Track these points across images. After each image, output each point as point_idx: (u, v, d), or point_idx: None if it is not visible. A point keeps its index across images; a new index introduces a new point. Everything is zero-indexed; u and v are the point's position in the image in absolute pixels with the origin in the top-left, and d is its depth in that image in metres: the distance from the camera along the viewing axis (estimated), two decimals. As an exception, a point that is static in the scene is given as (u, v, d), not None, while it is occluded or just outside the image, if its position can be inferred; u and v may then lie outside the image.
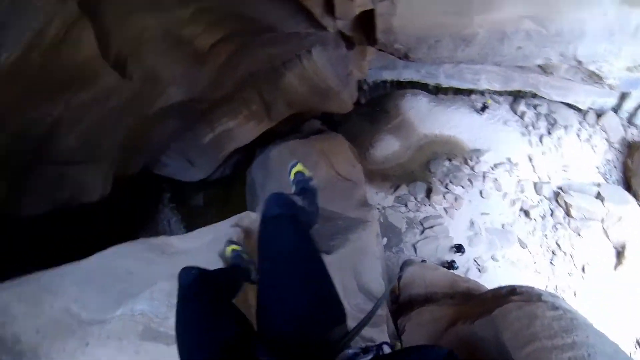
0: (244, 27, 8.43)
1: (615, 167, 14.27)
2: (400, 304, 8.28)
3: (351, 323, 1.46)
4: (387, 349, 1.20)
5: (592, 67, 10.25)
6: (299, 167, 2.57)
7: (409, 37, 8.87)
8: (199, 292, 1.53)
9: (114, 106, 7.42)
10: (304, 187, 2.46)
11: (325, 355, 1.21)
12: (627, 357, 4.11)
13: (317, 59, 10.29)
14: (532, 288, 6.23)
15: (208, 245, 2.90)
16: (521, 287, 6.12)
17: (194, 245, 3.07)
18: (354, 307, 5.95)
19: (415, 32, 8.71)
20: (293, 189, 2.56)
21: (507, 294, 6.04)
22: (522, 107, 15.14)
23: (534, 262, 12.84)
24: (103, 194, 8.68)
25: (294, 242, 1.55)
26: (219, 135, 11.20)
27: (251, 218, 3.27)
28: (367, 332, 5.66)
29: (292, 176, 2.57)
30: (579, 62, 9.87)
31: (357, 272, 6.93)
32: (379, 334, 5.81)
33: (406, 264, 9.08)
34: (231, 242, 2.56)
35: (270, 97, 10.85)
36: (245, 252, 2.50)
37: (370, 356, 1.14)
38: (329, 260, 6.00)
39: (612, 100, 14.64)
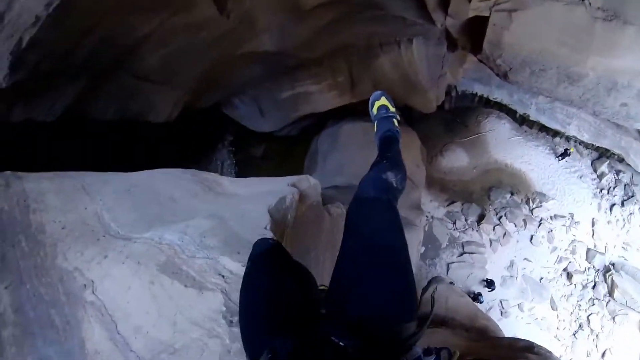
0: (354, -4, 8.15)
1: (677, 264, 13.68)
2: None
3: None
4: (445, 354, 1.18)
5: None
6: (383, 101, 2.33)
7: (515, 57, 8.34)
8: (270, 262, 1.55)
9: (204, 38, 7.33)
10: (389, 132, 2.24)
11: (395, 350, 1.18)
12: None
13: (416, 50, 9.88)
14: (550, 353, 5.76)
15: (259, 196, 2.66)
16: (540, 347, 5.77)
17: (245, 192, 2.85)
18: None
19: (523, 53, 8.16)
20: (375, 126, 2.35)
21: (524, 349, 5.73)
22: (604, 167, 14.31)
23: (558, 328, 12.37)
24: (170, 117, 8.74)
25: (388, 229, 1.52)
26: (298, 95, 10.96)
27: (309, 182, 3.07)
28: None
29: (374, 110, 2.34)
30: (682, 141, 9.20)
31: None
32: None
33: (435, 280, 8.87)
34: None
35: (359, 74, 10.48)
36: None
37: (432, 358, 1.13)
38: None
39: (699, 193, 13.97)
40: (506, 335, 7.62)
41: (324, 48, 9.71)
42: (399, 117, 2.33)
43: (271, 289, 1.43)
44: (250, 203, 2.58)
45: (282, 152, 13.60)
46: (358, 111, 11.44)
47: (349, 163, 9.99)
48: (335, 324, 1.27)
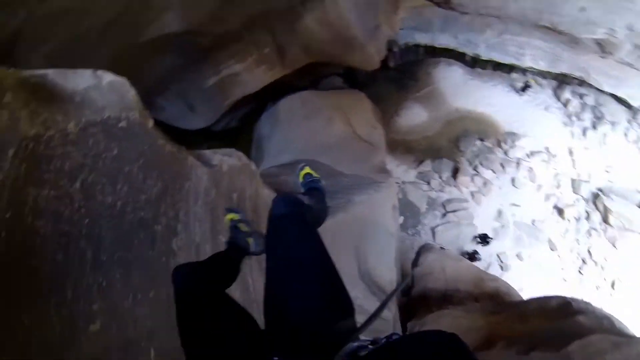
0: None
1: (663, 176, 12.65)
2: (412, 298, 7.12)
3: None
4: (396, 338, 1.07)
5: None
6: (307, 170, 2.64)
7: (456, -26, 7.48)
8: (191, 294, 1.53)
9: (92, 26, 6.10)
10: (312, 187, 2.52)
11: (330, 348, 1.13)
12: None
13: (343, 1, 8.71)
14: (590, 304, 4.73)
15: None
16: (577, 301, 4.77)
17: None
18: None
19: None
20: (302, 190, 2.60)
21: (561, 309, 4.67)
22: (566, 94, 13.48)
23: (562, 269, 11.46)
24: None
25: (300, 240, 1.56)
26: (224, 79, 9.71)
27: (83, 77, 1.65)
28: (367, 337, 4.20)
29: (300, 179, 2.64)
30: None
31: (360, 250, 5.46)
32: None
33: (424, 249, 7.66)
34: (229, 210, 2.49)
35: (285, 41, 9.30)
36: (244, 219, 2.42)
37: (374, 347, 1.06)
38: (322, 227, 4.33)
39: (669, 102, 12.91)
40: (530, 297, 6.68)
41: (238, 18, 8.41)
42: (323, 182, 2.57)
43: (205, 333, 1.42)
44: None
45: (225, 147, 12.22)
46: (297, 88, 10.48)
47: (292, 139, 9.08)
48: (270, 340, 1.34)
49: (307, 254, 1.47)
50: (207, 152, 2.62)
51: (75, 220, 1.35)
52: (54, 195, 1.26)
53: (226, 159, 2.68)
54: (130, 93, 1.66)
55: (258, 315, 1.56)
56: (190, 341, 1.42)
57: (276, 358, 1.20)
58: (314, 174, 2.61)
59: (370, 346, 1.09)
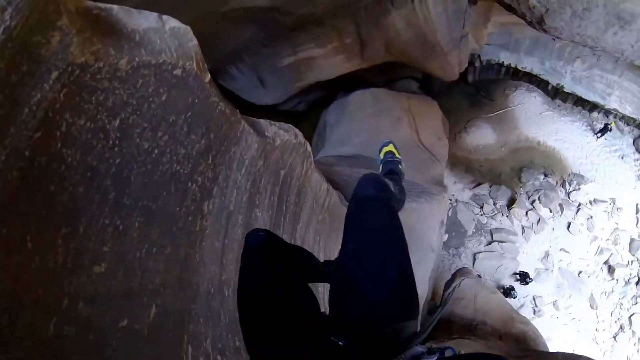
0: None
1: None
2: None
3: None
4: (449, 354, 1.11)
5: None
6: (390, 147, 2.55)
7: (553, -8, 6.67)
8: (263, 263, 1.47)
9: None
10: (392, 169, 2.42)
11: (395, 349, 1.15)
12: None
13: (432, 4, 8.48)
14: None
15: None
16: None
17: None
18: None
19: (562, -14, 6.46)
20: (380, 169, 2.52)
21: None
22: (648, 146, 12.36)
23: (597, 330, 10.88)
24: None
25: (386, 227, 1.49)
26: (300, 61, 9.68)
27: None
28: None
29: (381, 155, 2.55)
30: None
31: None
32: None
33: (461, 272, 7.46)
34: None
35: (368, 34, 9.15)
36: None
37: (434, 357, 1.07)
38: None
39: None
40: (557, 350, 6.38)
41: (325, 3, 8.38)
42: (403, 165, 2.48)
43: (269, 296, 1.41)
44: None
45: (285, 123, 12.20)
46: (371, 84, 10.42)
47: (357, 133, 8.87)
48: (335, 324, 1.33)
49: (389, 244, 1.42)
50: (263, 121, 2.50)
51: (106, 157, 1.31)
52: (89, 128, 1.22)
53: (281, 132, 2.57)
54: (192, 42, 1.57)
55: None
56: (248, 305, 1.40)
57: (341, 342, 1.21)
58: (397, 154, 2.50)
59: (426, 354, 1.10)
